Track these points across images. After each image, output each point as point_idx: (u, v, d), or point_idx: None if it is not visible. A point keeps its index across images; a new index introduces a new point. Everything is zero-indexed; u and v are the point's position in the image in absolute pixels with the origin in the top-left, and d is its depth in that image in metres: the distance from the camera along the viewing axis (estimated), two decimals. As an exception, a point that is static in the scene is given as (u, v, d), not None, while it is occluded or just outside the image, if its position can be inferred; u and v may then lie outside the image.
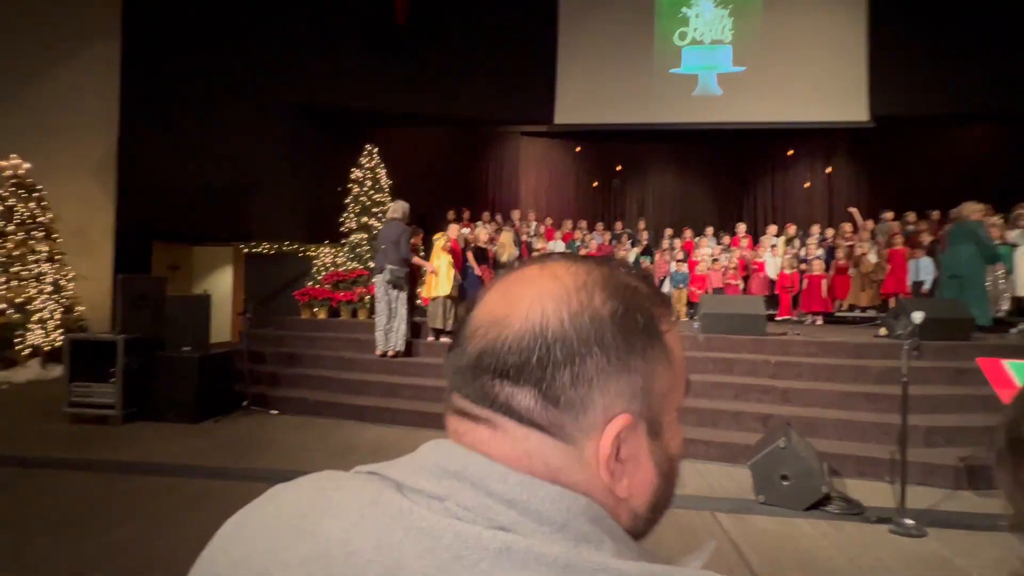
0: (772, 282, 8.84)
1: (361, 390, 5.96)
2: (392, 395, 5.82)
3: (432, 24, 10.81)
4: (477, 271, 7.35)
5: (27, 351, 7.47)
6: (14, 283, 7.59)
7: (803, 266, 8.60)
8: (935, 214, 9.02)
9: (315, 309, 7.79)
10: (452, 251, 6.98)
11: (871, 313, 8.26)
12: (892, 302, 7.62)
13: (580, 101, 10.94)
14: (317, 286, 8.00)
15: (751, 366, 5.50)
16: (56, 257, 8.03)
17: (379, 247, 6.42)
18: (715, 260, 9.24)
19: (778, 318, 8.40)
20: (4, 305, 7.45)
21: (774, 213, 11.99)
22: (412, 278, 6.72)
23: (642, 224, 10.84)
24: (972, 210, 6.36)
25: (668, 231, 10.47)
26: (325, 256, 8.62)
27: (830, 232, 9.44)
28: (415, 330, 6.80)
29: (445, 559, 0.35)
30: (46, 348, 7.52)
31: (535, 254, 8.90)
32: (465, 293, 6.99)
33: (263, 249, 9.27)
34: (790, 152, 11.87)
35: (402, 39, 10.75)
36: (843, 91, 10.31)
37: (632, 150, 12.39)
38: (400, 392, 5.83)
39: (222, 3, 10.01)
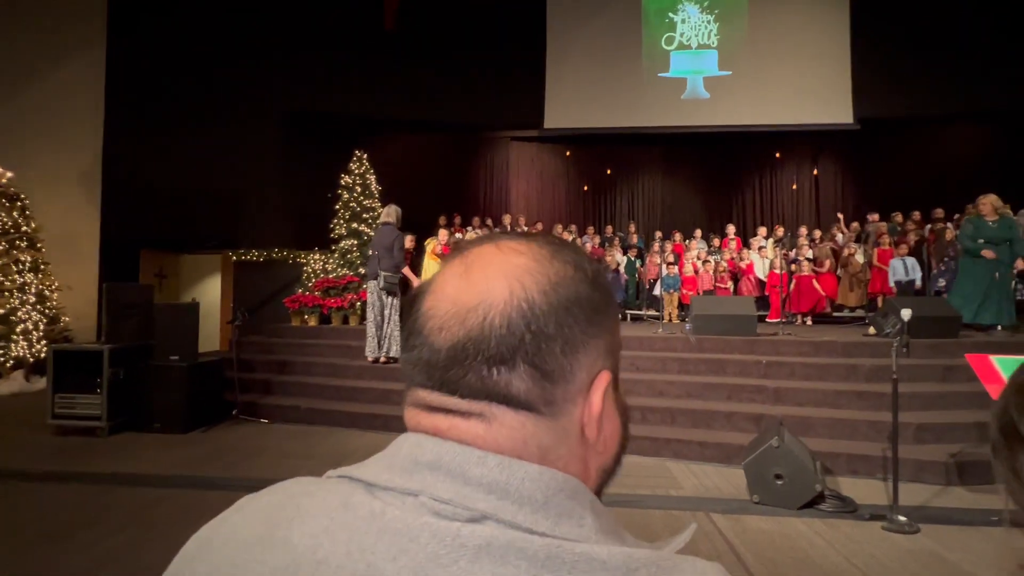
0: (762, 283, 8.90)
1: (353, 397, 5.91)
2: (384, 401, 5.77)
3: (421, 31, 10.84)
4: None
5: (10, 363, 7.33)
6: (-3, 294, 7.46)
7: (793, 267, 8.69)
8: (917, 214, 9.17)
9: (305, 316, 7.73)
10: (442, 256, 6.95)
11: (859, 313, 8.35)
12: (879, 301, 7.71)
13: (569, 105, 11.00)
14: (307, 293, 7.94)
15: (743, 366, 5.52)
16: (40, 267, 7.90)
17: (371, 253, 6.38)
18: (705, 262, 9.30)
19: (768, 319, 8.46)
20: (-14, 316, 7.32)
21: (763, 215, 12.10)
22: (405, 284, 6.69)
23: (632, 227, 10.89)
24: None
25: (658, 234, 10.53)
26: (315, 263, 8.57)
27: (818, 233, 9.59)
28: (407, 336, 6.74)
29: (421, 560, 0.33)
30: (30, 360, 7.39)
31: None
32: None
33: (252, 256, 9.19)
34: (777, 154, 12.01)
35: (391, 46, 10.76)
36: (827, 94, 10.46)
37: (622, 153, 12.47)
38: (392, 398, 5.78)
39: (209, 10, 9.96)
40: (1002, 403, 0.55)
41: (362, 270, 7.86)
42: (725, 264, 9.20)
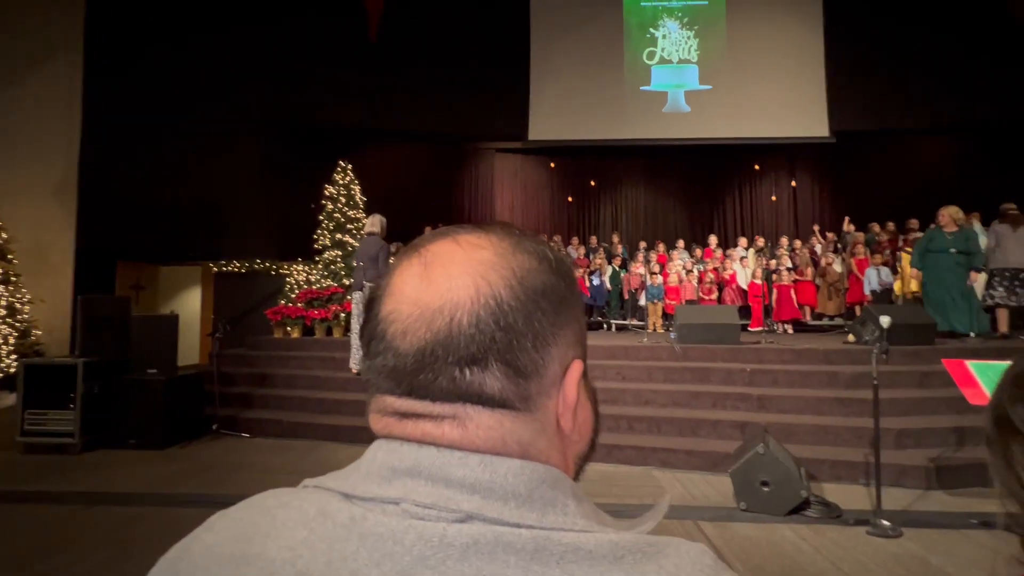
0: (744, 293, 9.04)
1: (336, 409, 5.82)
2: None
3: (405, 41, 10.89)
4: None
5: (-22, 378, 7.07)
6: (-35, 307, 7.21)
7: (774, 276, 8.84)
8: (891, 225, 9.43)
9: (288, 328, 7.61)
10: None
11: (839, 321, 8.51)
12: (858, 310, 7.88)
13: (553, 117, 11.12)
14: (290, 304, 7.82)
15: (727, 375, 5.58)
16: (11, 279, 7.66)
17: (356, 264, 6.33)
18: (688, 272, 9.42)
19: (751, 328, 8.57)
20: (-47, 330, 7.05)
21: (743, 225, 12.31)
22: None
23: (616, 238, 11.00)
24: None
25: (642, 244, 10.64)
26: (298, 274, 8.46)
27: (798, 244, 9.79)
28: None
29: (407, 563, 0.33)
30: (-1, 375, 7.13)
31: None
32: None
33: (234, 268, 9.05)
34: (756, 166, 12.27)
35: (376, 57, 10.78)
36: (804, 108, 10.75)
37: (606, 165, 12.62)
38: (377, 410, 5.69)
39: (190, 18, 9.88)
40: (996, 395, 0.56)
41: (347, 281, 7.78)
42: (710, 274, 9.33)
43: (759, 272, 8.91)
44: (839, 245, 9.40)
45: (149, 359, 5.23)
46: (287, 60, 10.24)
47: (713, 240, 10.40)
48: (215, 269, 9.21)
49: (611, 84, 11.12)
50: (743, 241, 10.13)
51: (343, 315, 7.45)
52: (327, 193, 8.70)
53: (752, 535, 3.33)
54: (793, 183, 12.29)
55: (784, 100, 10.72)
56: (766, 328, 8.59)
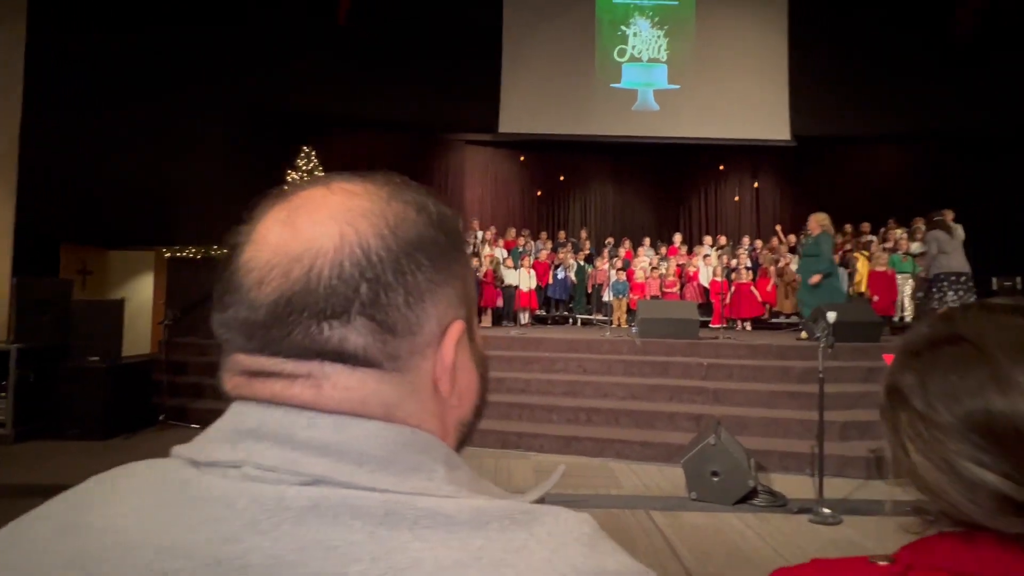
0: (706, 290, 9.24)
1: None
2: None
3: (375, 27, 10.65)
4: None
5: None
6: None
7: (733, 275, 9.07)
8: (847, 227, 9.80)
9: (245, 316, 7.38)
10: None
11: (795, 319, 8.80)
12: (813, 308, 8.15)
13: (524, 111, 11.09)
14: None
15: (685, 368, 5.69)
16: (-58, 260, 7.18)
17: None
18: (653, 269, 9.57)
19: (712, 325, 8.78)
20: None
21: (707, 224, 12.58)
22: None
23: (584, 233, 11.07)
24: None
25: (609, 240, 10.75)
26: (257, 261, 8.19)
27: (759, 244, 10.07)
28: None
29: (236, 528, 0.30)
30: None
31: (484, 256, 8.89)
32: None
33: (189, 253, 8.71)
34: (721, 167, 12.53)
35: (344, 41, 10.51)
36: (767, 112, 11.02)
37: (575, 161, 12.67)
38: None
39: (146, -7, 9.41)
40: (892, 367, 0.57)
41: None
42: (672, 271, 9.50)
43: (719, 270, 9.13)
44: (797, 246, 9.70)
45: (92, 346, 4.99)
46: (250, 41, 9.88)
47: (678, 238, 10.59)
48: (168, 255, 8.85)
49: (582, 80, 11.16)
50: (707, 239, 10.35)
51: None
52: (289, 179, 8.46)
53: (701, 523, 3.41)
54: (756, 184, 12.61)
55: (749, 103, 10.97)
56: (726, 325, 8.82)
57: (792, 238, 9.96)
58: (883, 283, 8.08)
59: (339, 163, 9.79)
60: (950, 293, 6.70)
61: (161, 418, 5.31)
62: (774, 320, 9.12)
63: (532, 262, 9.58)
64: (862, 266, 8.63)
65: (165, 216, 9.41)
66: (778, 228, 10.27)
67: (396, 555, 0.29)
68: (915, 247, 8.32)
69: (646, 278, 9.35)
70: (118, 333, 5.27)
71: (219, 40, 9.71)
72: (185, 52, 9.52)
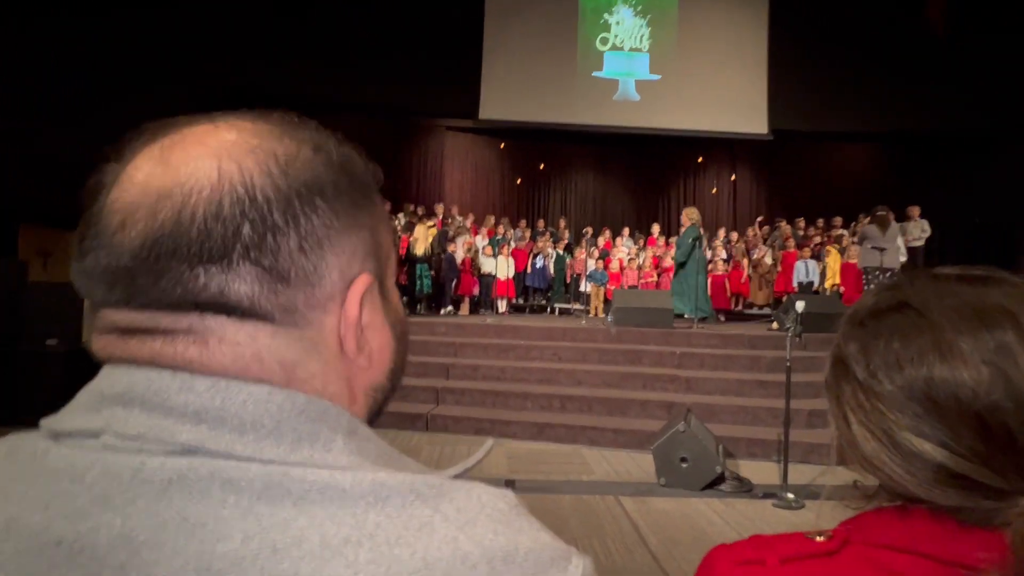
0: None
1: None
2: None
3: (355, 9, 10.38)
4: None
5: None
6: None
7: (709, 266, 9.17)
8: (820, 221, 10.00)
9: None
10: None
11: (767, 311, 8.97)
12: (784, 299, 8.32)
13: (505, 97, 10.98)
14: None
15: (658, 357, 5.75)
16: None
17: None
18: (631, 259, 9.62)
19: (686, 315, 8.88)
20: None
21: (686, 216, 12.68)
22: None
23: (563, 222, 11.06)
24: None
25: (588, 230, 10.77)
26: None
27: (735, 236, 10.20)
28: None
29: (82, 504, 0.27)
30: None
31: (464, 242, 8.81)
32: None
33: (156, 235, 8.44)
34: (700, 159, 12.63)
35: (321, 19, 10.22)
36: (746, 105, 11.12)
37: (556, 149, 12.62)
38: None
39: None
40: (837, 339, 0.56)
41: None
42: (650, 262, 9.57)
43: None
44: (770, 239, 9.86)
45: (48, 329, 4.79)
46: (223, 21, 9.52)
47: (656, 228, 10.66)
48: (135, 236, 8.56)
49: (564, 67, 11.08)
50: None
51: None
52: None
53: (668, 509, 3.46)
54: (733, 177, 12.75)
55: (728, 96, 11.04)
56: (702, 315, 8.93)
57: (766, 230, 10.12)
58: (852, 275, 8.27)
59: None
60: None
61: (124, 404, 5.15)
62: (747, 311, 9.28)
63: (511, 250, 9.54)
64: (833, 260, 8.81)
65: (131, 196, 9.08)
66: (758, 221, 10.42)
67: (274, 532, 0.26)
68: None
69: (622, 268, 9.41)
70: (79, 316, 5.06)
71: (192, 19, 9.36)
72: (155, 30, 9.15)
